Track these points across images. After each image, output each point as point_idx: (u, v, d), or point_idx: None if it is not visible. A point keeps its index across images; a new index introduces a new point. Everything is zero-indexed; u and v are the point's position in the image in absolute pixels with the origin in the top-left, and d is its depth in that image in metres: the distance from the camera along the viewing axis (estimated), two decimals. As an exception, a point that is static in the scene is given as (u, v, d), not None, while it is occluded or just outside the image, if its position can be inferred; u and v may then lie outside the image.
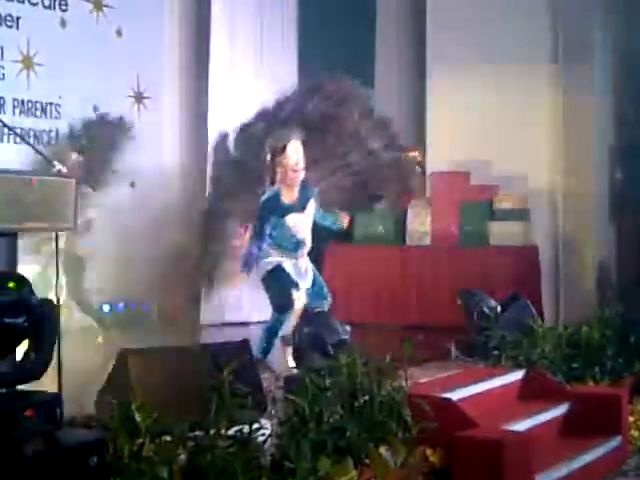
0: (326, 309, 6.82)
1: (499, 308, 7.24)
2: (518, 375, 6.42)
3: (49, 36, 8.91)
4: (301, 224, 6.79)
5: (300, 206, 6.78)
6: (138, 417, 3.94)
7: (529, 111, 9.62)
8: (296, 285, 6.68)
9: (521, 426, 5.59)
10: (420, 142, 10.43)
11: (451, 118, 8.63)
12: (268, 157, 6.81)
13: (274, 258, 6.69)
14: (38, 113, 8.88)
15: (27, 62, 8.74)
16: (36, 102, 8.86)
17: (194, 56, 10.54)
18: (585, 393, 6.55)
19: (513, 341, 6.74)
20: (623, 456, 6.29)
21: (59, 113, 9.01)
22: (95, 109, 9.35)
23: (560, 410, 6.22)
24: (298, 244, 6.78)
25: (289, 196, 6.72)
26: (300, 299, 6.64)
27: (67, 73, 8.94)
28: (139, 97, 9.97)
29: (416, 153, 10.66)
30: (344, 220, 7.12)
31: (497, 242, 9.42)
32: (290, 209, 6.71)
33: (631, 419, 6.68)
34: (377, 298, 7.85)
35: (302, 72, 10.49)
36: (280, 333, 6.62)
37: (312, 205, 6.88)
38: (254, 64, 9.93)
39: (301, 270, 6.79)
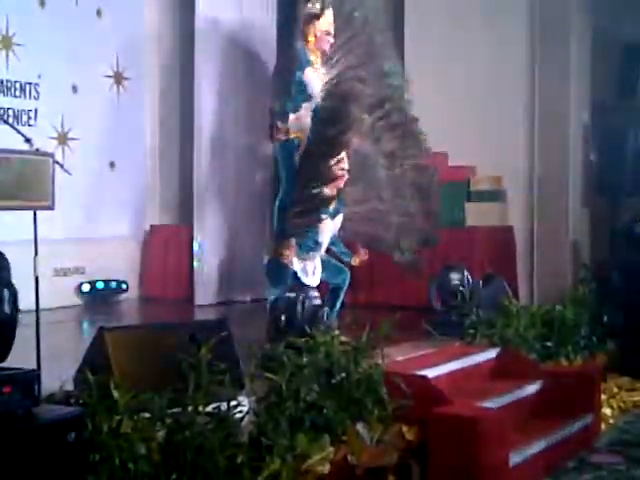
0: (347, 281, 7.19)
1: (474, 288, 7.32)
2: (492, 353, 6.49)
3: (28, 16, 8.84)
4: (326, 229, 7.01)
5: (332, 214, 7.00)
6: (116, 394, 3.99)
7: (506, 92, 9.66)
8: (297, 281, 6.90)
9: (495, 403, 5.65)
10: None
11: (429, 100, 8.65)
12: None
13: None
14: (17, 93, 8.85)
15: (6, 42, 8.69)
16: (15, 82, 8.82)
17: (177, 36, 10.53)
18: (558, 371, 6.64)
19: (488, 320, 6.82)
20: (595, 434, 6.38)
21: (38, 93, 8.98)
22: (74, 89, 9.36)
23: (533, 388, 6.29)
24: (315, 246, 6.95)
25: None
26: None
27: (46, 53, 8.91)
28: (119, 77, 9.96)
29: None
30: (358, 259, 7.32)
31: (473, 223, 9.49)
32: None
33: (603, 397, 6.78)
34: (354, 278, 7.91)
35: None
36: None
37: (340, 219, 7.08)
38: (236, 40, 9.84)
39: (307, 270, 6.99)
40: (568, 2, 9.68)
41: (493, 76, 9.64)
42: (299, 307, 5.80)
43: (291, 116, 7.11)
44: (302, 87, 7.13)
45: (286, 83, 7.15)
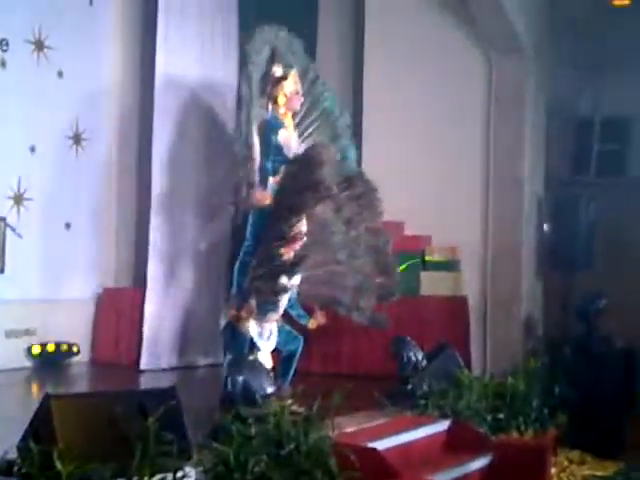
0: (300, 348, 7.12)
1: (427, 357, 7.33)
2: (444, 425, 6.47)
3: (-12, 76, 8.86)
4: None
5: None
6: (59, 464, 3.91)
7: (462, 164, 9.81)
8: (253, 346, 6.84)
9: (445, 477, 5.64)
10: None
11: (385, 171, 8.74)
12: None
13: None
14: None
15: (-35, 102, 8.68)
16: (-27, 142, 8.78)
17: (137, 96, 10.55)
18: (509, 444, 6.63)
19: (440, 390, 6.81)
20: (545, 508, 6.38)
21: (-4, 153, 8.94)
22: (32, 150, 9.33)
23: (484, 461, 6.28)
24: (274, 307, 6.94)
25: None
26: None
27: (5, 113, 8.89)
28: (78, 138, 9.94)
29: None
30: (316, 322, 7.30)
31: (428, 292, 9.54)
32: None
33: (554, 470, 6.78)
34: (308, 346, 7.86)
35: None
36: None
37: (297, 280, 7.07)
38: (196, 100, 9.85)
39: (264, 333, 6.94)
40: (523, 79, 9.86)
41: (449, 148, 9.78)
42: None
43: (270, 179, 7.12)
44: (278, 150, 7.18)
45: (263, 147, 7.19)
